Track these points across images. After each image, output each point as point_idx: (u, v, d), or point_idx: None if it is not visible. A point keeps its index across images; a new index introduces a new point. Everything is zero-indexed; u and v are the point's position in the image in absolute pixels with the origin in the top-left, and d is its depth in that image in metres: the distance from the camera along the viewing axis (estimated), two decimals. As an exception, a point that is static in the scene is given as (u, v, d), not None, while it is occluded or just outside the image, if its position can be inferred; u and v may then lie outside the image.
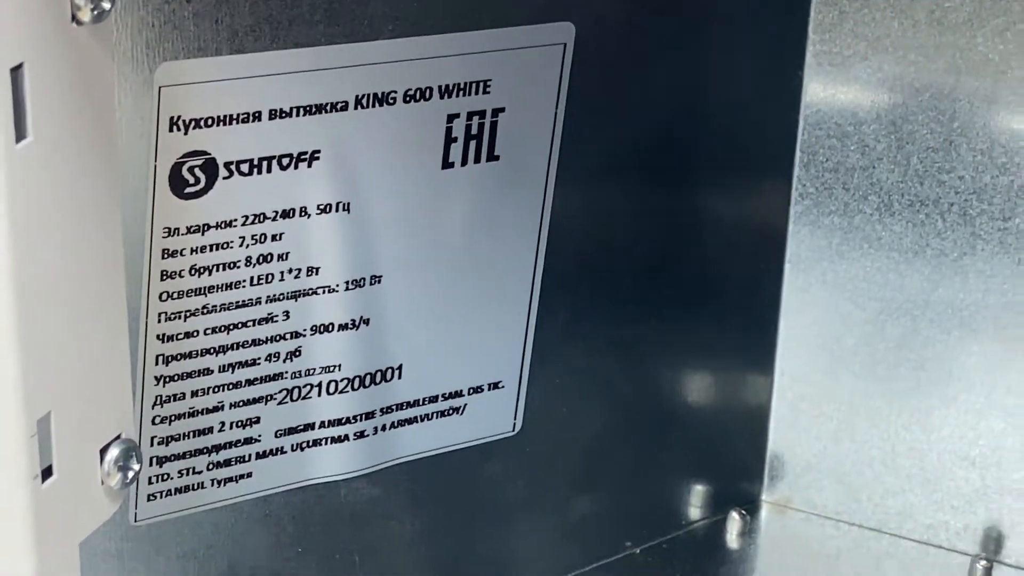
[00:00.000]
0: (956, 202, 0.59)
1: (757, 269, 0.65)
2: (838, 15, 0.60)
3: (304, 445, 0.50)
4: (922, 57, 0.60)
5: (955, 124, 0.59)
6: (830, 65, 0.62)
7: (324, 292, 0.50)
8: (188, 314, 0.47)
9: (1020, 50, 0.57)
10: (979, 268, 0.59)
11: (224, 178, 0.46)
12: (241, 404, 0.49)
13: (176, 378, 0.47)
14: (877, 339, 0.63)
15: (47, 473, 0.40)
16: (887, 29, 0.60)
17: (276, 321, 0.49)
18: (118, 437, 0.42)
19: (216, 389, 0.48)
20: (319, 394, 0.50)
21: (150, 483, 0.48)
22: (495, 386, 0.55)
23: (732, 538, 0.66)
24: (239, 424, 0.49)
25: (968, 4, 0.58)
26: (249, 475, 0.50)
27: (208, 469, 0.49)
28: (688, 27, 0.58)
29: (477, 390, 0.55)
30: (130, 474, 0.42)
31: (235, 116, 0.45)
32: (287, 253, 0.49)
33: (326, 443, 0.51)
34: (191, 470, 0.48)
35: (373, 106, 0.49)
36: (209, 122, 0.45)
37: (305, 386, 0.50)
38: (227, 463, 0.50)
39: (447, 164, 0.51)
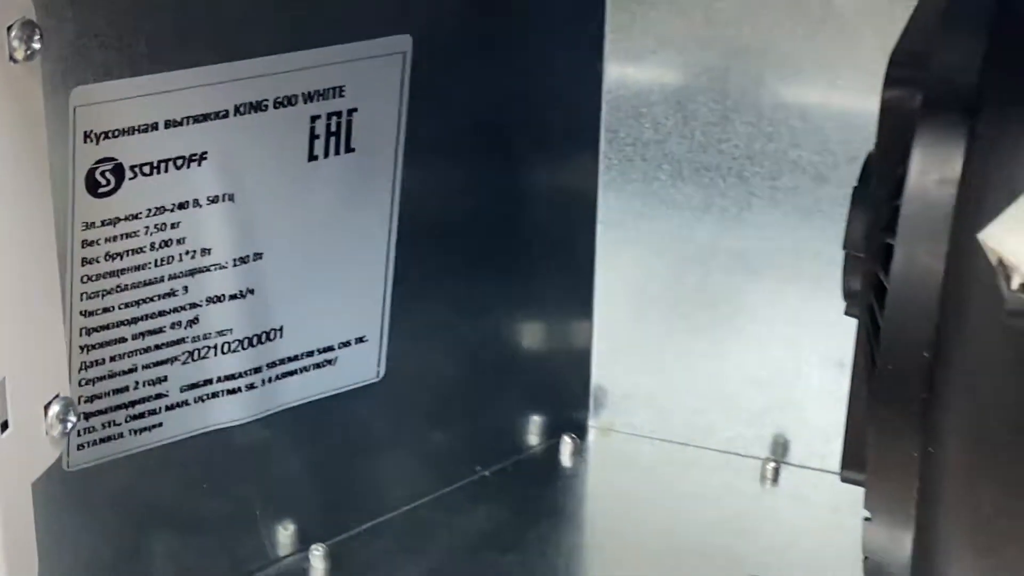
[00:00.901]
0: (734, 167, 0.66)
1: (574, 230, 0.69)
2: (630, 17, 0.66)
3: (205, 397, 0.55)
4: (700, 49, 0.65)
5: (728, 102, 0.66)
6: (625, 58, 0.67)
7: (215, 269, 0.55)
8: (105, 293, 0.51)
9: (776, 39, 0.63)
10: (755, 220, 0.66)
11: (130, 179, 0.50)
12: (151, 366, 0.53)
13: (97, 346, 0.51)
14: (677, 284, 0.69)
15: (3, 427, 0.44)
16: (671, 27, 0.66)
17: (177, 295, 0.54)
18: (57, 395, 0.47)
19: (130, 354, 0.53)
20: (215, 354, 0.55)
21: (79, 435, 0.52)
22: (360, 340, 0.60)
23: (565, 458, 0.70)
24: (150, 382, 0.54)
25: (734, 5, 0.64)
26: (160, 425, 0.54)
27: (126, 421, 0.53)
28: (508, 31, 0.63)
29: (345, 344, 0.59)
30: (68, 425, 0.47)
31: (137, 127, 0.50)
32: (184, 238, 0.53)
33: (223, 395, 0.56)
34: (112, 423, 0.53)
35: (249, 113, 0.54)
36: (116, 133, 0.49)
37: (203, 348, 0.54)
38: (141, 416, 0.54)
39: (312, 157, 0.55)
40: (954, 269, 0.44)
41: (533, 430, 0.71)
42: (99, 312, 0.52)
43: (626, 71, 0.68)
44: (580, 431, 0.72)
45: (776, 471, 0.68)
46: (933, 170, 0.43)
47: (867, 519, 0.47)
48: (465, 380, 0.68)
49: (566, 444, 0.71)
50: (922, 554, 0.47)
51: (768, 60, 0.64)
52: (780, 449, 0.68)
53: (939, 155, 0.44)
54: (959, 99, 0.44)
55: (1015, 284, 0.38)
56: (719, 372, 0.69)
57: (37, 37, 0.43)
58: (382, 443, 0.64)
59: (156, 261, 0.53)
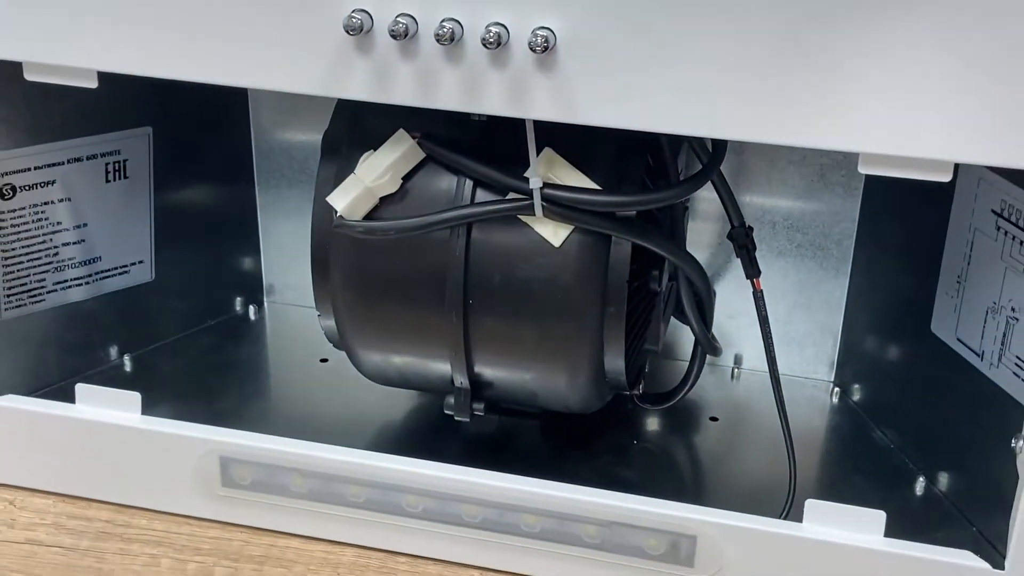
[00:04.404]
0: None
1: (244, 202, 0.73)
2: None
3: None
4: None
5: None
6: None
7: (62, 231, 0.60)
8: (12, 240, 0.58)
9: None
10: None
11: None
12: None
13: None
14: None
15: None
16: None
17: (44, 243, 0.59)
18: None
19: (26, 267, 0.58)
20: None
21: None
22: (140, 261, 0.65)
23: (252, 315, 0.76)
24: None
25: None
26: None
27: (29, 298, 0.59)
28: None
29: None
30: None
31: (20, 170, 0.58)
32: (47, 218, 0.59)
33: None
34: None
35: (76, 162, 0.60)
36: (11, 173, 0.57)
37: None
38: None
39: (107, 180, 0.62)
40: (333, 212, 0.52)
41: (237, 304, 0.77)
42: (9, 250, 0.59)
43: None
44: (259, 303, 0.77)
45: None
46: (324, 173, 0.55)
47: (319, 316, 0.58)
48: (203, 286, 0.72)
49: (251, 309, 0.77)
50: (340, 331, 0.57)
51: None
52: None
53: (326, 167, 0.55)
54: (331, 145, 0.55)
55: (337, 215, 0.52)
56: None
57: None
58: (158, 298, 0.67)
59: (35, 228, 0.60)
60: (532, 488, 0.55)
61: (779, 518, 0.55)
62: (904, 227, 0.64)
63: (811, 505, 0.53)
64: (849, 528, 0.52)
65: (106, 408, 0.58)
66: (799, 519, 0.53)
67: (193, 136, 0.68)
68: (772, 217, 0.70)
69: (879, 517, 0.53)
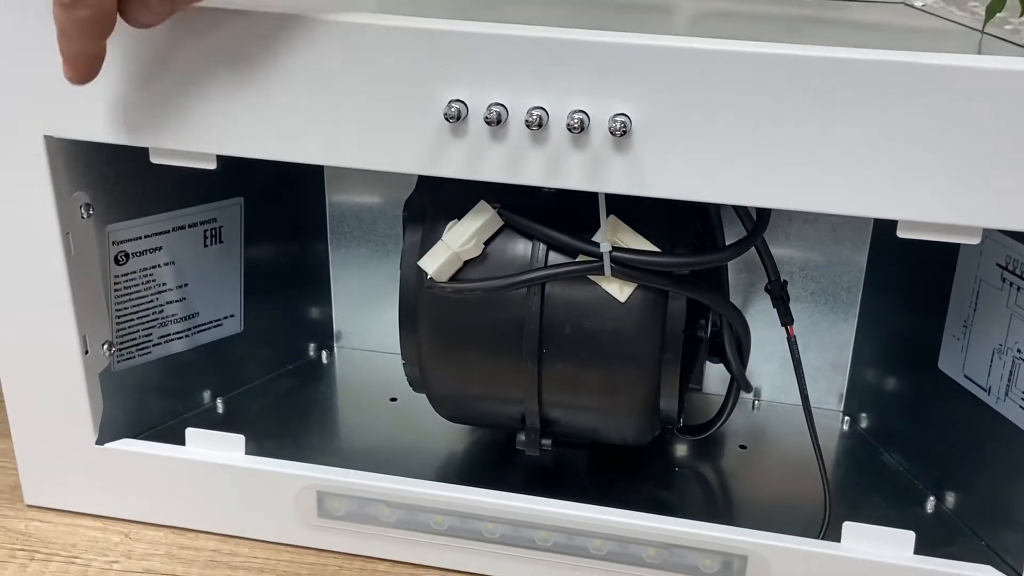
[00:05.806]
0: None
1: (314, 257, 0.73)
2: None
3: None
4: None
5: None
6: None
7: (167, 291, 0.61)
8: (124, 301, 0.59)
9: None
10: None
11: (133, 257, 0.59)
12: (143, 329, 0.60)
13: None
14: (373, 278, 0.74)
15: (86, 351, 0.56)
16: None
17: (152, 302, 0.60)
18: (107, 340, 0.58)
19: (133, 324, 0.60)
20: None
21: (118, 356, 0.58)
22: (231, 315, 0.66)
23: (324, 359, 0.75)
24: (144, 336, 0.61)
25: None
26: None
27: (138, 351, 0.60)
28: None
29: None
30: (109, 352, 0.58)
31: (132, 238, 0.59)
32: (155, 279, 0.60)
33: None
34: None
35: (179, 230, 0.61)
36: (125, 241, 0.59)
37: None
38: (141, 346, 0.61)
39: (205, 245, 0.63)
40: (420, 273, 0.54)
41: (311, 349, 0.76)
42: (122, 309, 0.60)
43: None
44: (330, 348, 0.77)
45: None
46: (410, 238, 0.56)
47: (404, 364, 0.59)
48: (282, 334, 0.72)
49: (323, 354, 0.76)
50: (424, 376, 0.58)
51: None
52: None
53: (412, 233, 0.56)
54: (415, 214, 0.56)
55: (428, 277, 0.53)
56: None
57: (91, 208, 0.55)
58: (244, 348, 0.67)
59: (144, 289, 0.61)
60: (599, 515, 0.56)
61: (817, 538, 0.56)
62: (909, 276, 0.66)
63: (848, 527, 0.55)
64: (882, 546, 0.54)
65: (214, 449, 0.59)
66: (836, 539, 0.54)
67: (276, 202, 0.69)
68: (790, 268, 0.72)
69: (909, 537, 0.54)
